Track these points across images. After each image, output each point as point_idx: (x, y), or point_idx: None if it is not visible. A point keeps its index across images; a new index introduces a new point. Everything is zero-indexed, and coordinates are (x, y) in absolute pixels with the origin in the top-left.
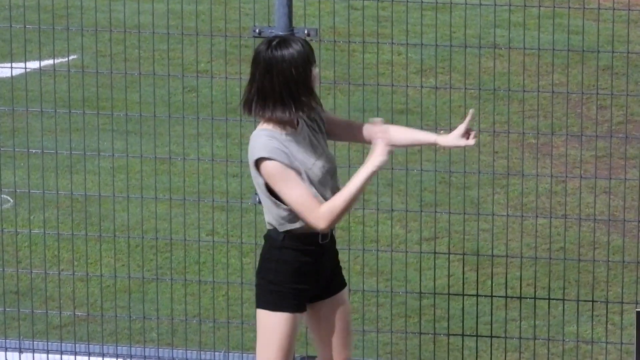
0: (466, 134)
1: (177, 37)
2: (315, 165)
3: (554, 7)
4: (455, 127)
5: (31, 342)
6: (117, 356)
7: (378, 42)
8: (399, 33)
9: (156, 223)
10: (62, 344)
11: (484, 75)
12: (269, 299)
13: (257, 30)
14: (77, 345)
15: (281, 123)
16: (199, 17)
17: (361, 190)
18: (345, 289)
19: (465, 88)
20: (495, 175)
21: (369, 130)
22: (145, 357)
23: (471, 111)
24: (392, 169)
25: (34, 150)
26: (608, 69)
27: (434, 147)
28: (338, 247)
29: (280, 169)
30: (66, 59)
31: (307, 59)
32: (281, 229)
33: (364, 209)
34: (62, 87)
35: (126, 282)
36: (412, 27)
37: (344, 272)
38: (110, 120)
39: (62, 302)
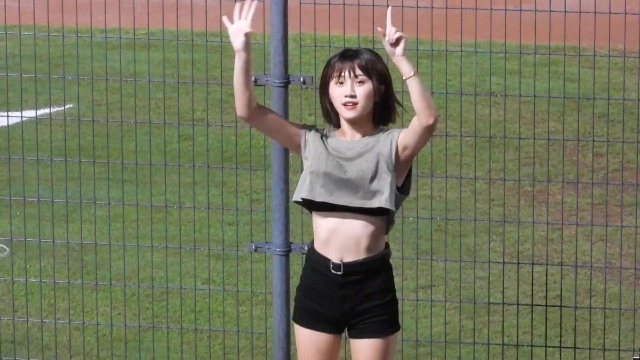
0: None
1: (172, 86)
2: None
3: (550, 54)
4: (450, 175)
5: None
6: None
7: None
8: (394, 81)
9: (152, 271)
10: None
11: (480, 123)
12: (294, 309)
13: (252, 78)
14: None
15: None
16: (195, 65)
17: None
18: (367, 340)
19: (461, 135)
20: (491, 223)
21: None
22: None
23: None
24: None
25: (30, 199)
26: (604, 117)
27: (430, 196)
28: None
29: None
30: (62, 108)
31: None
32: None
33: None
34: (58, 136)
35: (122, 331)
36: None
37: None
38: (106, 169)
39: (58, 351)
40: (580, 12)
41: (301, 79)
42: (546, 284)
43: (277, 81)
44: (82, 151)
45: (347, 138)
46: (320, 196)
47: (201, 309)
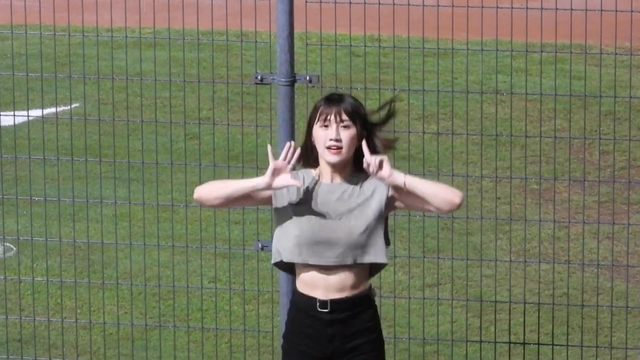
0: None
1: (179, 85)
2: None
3: (556, 52)
4: (457, 174)
5: None
6: None
7: (380, 89)
8: (400, 79)
9: (159, 270)
10: None
11: (486, 121)
12: (282, 355)
13: (258, 77)
14: None
15: None
16: (201, 64)
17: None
18: None
19: (468, 134)
20: (497, 221)
21: None
22: None
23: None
24: (395, 215)
25: (36, 198)
26: (610, 114)
27: None
28: None
29: None
30: (68, 107)
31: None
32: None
33: None
34: (65, 135)
35: (129, 330)
36: (413, 74)
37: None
38: (113, 167)
39: (65, 350)
40: (587, 10)
41: (307, 78)
42: (553, 282)
43: (283, 80)
44: (89, 150)
45: (326, 181)
46: (310, 259)
47: (208, 307)
